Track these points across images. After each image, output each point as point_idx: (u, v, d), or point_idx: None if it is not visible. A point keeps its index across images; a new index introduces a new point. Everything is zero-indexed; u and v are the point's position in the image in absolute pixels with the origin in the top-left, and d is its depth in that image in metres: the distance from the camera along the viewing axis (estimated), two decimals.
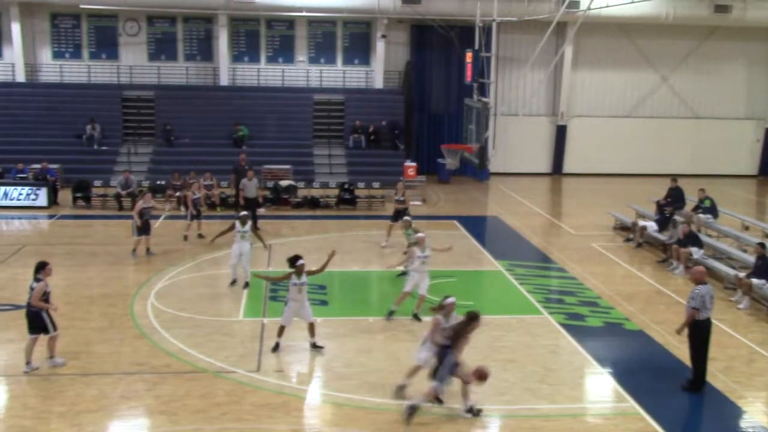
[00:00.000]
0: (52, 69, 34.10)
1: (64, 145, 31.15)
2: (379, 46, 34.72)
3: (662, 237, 21.64)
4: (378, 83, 35.26)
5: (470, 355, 13.70)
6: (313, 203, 27.08)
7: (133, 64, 34.34)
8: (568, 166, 37.24)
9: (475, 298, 15.59)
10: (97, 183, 27.52)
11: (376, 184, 28.60)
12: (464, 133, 29.31)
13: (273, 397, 11.79)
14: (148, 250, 19.88)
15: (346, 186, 27.91)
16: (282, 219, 25.31)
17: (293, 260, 13.35)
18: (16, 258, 19.67)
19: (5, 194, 25.98)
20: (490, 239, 24.32)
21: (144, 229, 19.69)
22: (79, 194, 26.56)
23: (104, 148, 31.67)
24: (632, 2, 25.15)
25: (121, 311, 15.60)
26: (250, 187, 23.02)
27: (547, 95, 36.83)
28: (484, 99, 27.49)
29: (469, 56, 28.96)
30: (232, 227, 17.49)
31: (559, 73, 35.98)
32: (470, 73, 28.84)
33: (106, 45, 34.37)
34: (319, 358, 13.46)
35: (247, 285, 17.20)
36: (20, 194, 26.00)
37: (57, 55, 34.22)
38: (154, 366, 12.82)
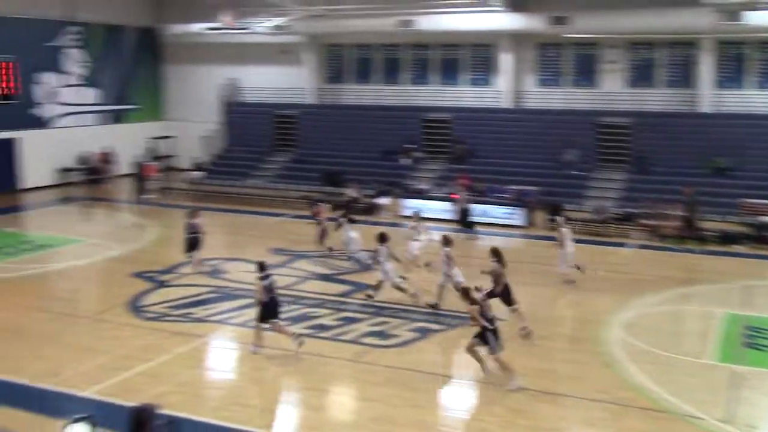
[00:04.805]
0: (535, 96, 36.05)
1: (542, 168, 32.35)
2: None
3: None
4: None
5: None
6: None
7: (610, 90, 34.65)
8: None
9: None
10: (569, 207, 28.12)
11: None
12: None
13: None
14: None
15: None
16: (763, 259, 22.97)
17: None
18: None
19: (484, 212, 28.00)
20: None
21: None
22: (553, 217, 27.40)
23: (578, 173, 32.19)
24: None
25: (583, 335, 15.77)
26: None
27: None
28: None
29: None
30: None
31: None
32: None
33: (586, 72, 35.25)
34: None
35: None
36: (499, 213, 27.90)
37: (541, 82, 36.12)
38: (617, 396, 12.69)
